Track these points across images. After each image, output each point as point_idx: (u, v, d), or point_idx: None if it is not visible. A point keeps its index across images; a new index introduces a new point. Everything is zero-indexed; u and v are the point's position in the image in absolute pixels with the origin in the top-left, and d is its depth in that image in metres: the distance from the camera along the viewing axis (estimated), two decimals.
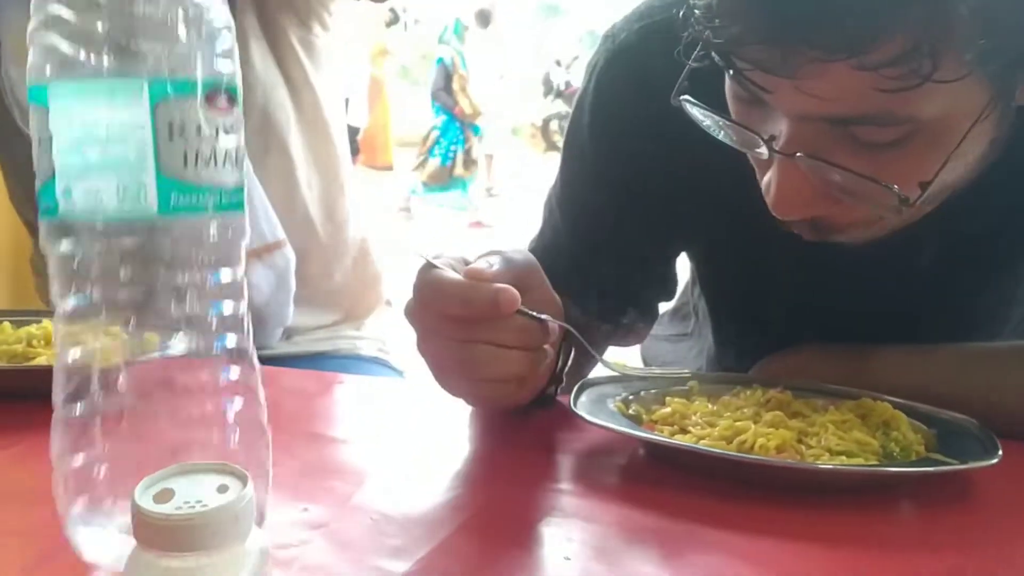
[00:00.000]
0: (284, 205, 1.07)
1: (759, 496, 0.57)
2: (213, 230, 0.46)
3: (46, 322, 0.79)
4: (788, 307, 0.83)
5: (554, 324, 0.65)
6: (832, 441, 0.60)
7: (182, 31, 0.45)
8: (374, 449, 0.64)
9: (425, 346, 0.64)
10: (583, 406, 0.64)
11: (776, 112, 0.60)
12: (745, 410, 0.65)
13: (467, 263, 0.64)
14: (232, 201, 0.47)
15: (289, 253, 1.05)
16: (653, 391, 0.69)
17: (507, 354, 0.62)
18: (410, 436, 0.66)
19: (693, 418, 0.64)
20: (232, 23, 0.47)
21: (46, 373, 0.71)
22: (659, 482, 0.60)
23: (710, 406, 0.66)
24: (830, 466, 0.58)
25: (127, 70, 0.44)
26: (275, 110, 1.07)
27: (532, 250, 0.89)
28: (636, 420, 0.65)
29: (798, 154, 0.58)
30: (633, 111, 0.80)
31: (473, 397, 0.67)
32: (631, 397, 0.67)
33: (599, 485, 0.60)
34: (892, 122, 0.56)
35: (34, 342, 0.76)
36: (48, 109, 0.45)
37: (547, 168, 9.36)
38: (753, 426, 0.61)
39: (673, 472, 0.60)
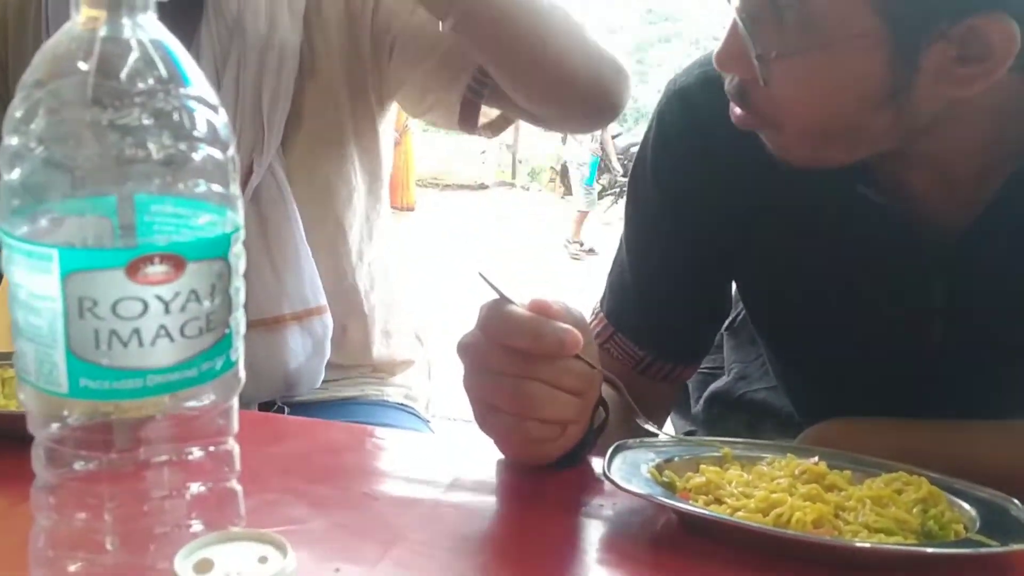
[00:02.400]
0: (332, 273, 1.07)
1: (794, 570, 0.56)
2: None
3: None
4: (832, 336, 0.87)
5: (606, 374, 0.67)
6: (870, 517, 0.59)
7: (103, 198, 0.40)
8: (405, 508, 0.64)
9: (477, 380, 0.65)
10: (616, 470, 0.64)
11: None
12: (781, 480, 0.64)
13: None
14: (170, 383, 0.41)
15: (328, 320, 1.05)
16: (687, 457, 0.69)
17: (561, 396, 0.63)
18: (440, 494, 0.66)
19: (728, 488, 0.63)
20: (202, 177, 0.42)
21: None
22: (693, 553, 0.59)
23: (744, 475, 0.66)
24: (869, 544, 0.57)
25: (37, 236, 0.40)
26: (339, 183, 1.08)
27: (610, 287, 0.96)
28: (670, 487, 0.64)
29: (738, 3, 0.69)
30: (688, 147, 0.87)
31: (516, 438, 0.66)
32: (664, 463, 0.67)
33: (631, 554, 0.59)
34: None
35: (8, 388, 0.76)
36: None
37: (563, 211, 9.40)
38: (790, 499, 0.60)
39: (707, 543, 0.59)
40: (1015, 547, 0.56)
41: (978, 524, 0.60)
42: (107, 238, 0.40)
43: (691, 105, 0.87)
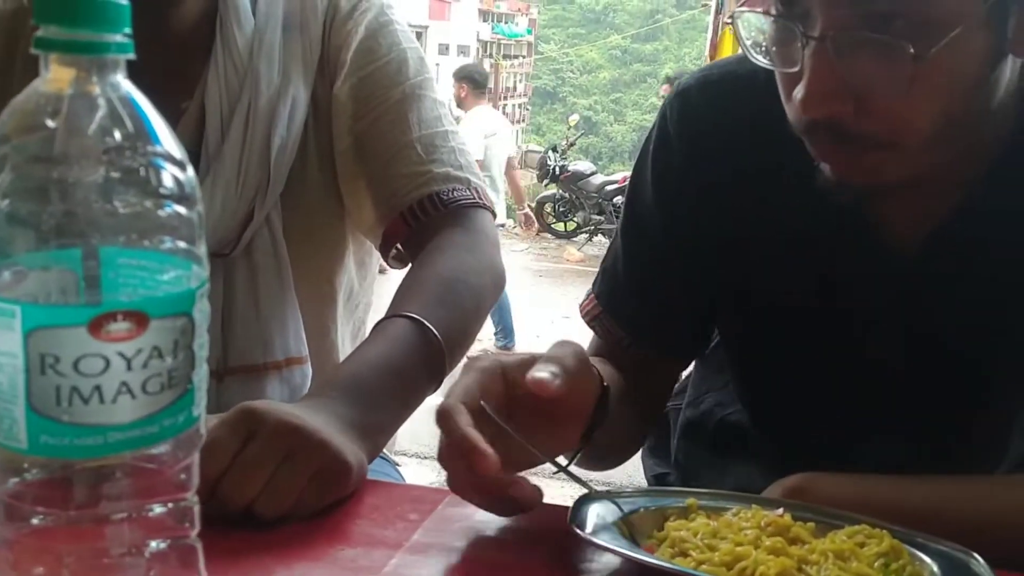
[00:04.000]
0: (315, 329, 1.07)
1: None
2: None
3: None
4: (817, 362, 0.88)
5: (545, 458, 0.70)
6: (832, 571, 0.60)
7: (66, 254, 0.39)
8: (370, 562, 0.63)
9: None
10: (582, 522, 0.64)
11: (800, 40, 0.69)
12: (747, 532, 0.64)
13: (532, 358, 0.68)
14: (131, 439, 0.41)
15: (308, 370, 1.05)
16: (652, 508, 0.69)
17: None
18: (418, 551, 0.65)
19: (693, 540, 0.63)
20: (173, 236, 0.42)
21: None
22: None
23: (711, 523, 0.66)
24: None
25: (1, 291, 0.39)
26: (332, 241, 1.08)
27: (603, 271, 1.00)
28: (636, 539, 0.64)
29: (830, 34, 0.67)
30: (682, 145, 0.90)
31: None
32: (630, 514, 0.67)
33: None
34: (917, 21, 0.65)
35: None
36: None
37: (536, 248, 9.42)
38: (754, 552, 0.61)
39: None
40: None
41: None
42: (71, 294, 0.40)
43: (690, 104, 0.90)
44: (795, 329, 0.89)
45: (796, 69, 0.70)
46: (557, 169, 10.04)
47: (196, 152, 0.99)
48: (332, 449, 0.69)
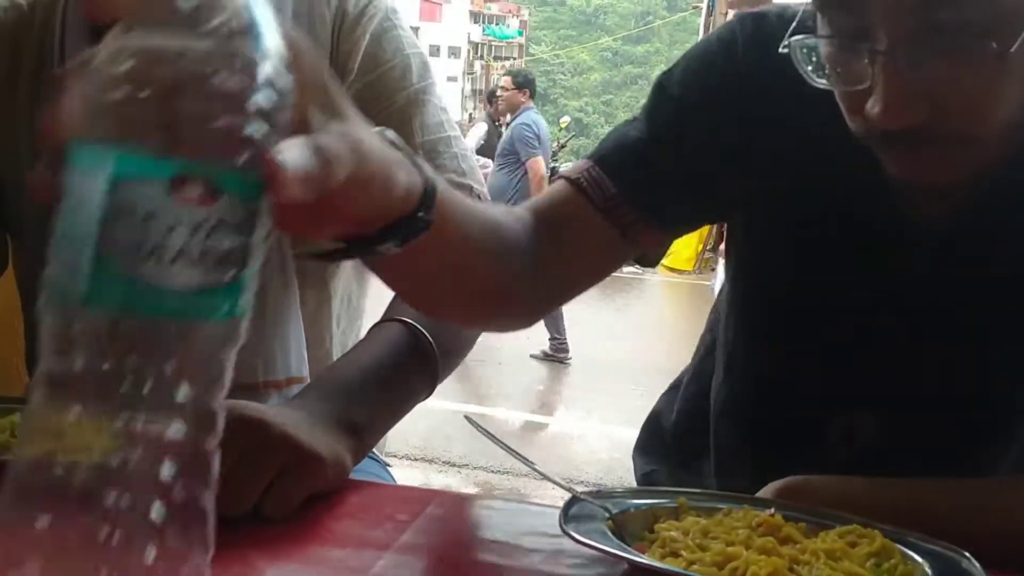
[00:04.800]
0: (311, 339, 1.05)
1: None
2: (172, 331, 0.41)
3: None
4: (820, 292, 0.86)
5: None
6: (824, 571, 0.59)
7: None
8: (359, 563, 0.63)
9: None
10: (572, 522, 0.63)
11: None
12: (738, 531, 0.64)
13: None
14: (181, 307, 0.41)
15: None
16: (643, 508, 0.68)
17: None
18: (407, 552, 0.65)
19: (684, 540, 0.63)
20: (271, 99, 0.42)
21: None
22: None
23: (701, 520, 0.66)
24: None
25: (91, 138, 0.41)
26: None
27: (604, 141, 0.92)
28: (626, 540, 0.64)
29: (900, 47, 0.66)
30: (749, 62, 0.86)
31: None
32: (620, 514, 0.67)
33: None
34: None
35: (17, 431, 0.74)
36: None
37: None
38: (745, 552, 0.60)
39: None
40: None
41: None
42: (155, 150, 0.40)
43: (764, 29, 0.86)
44: (807, 268, 0.87)
45: (865, 86, 0.69)
46: (548, 171, 10.06)
47: None
48: (296, 441, 0.68)
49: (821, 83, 0.73)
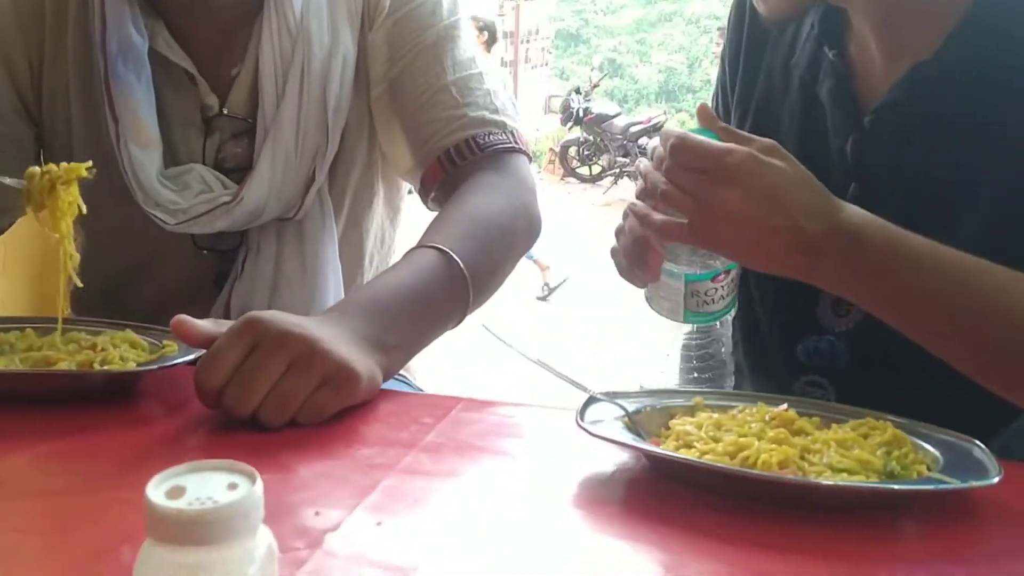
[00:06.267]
0: (345, 275, 1.08)
1: (761, 511, 0.58)
2: None
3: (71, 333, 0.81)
4: None
5: None
6: (834, 459, 0.61)
7: None
8: (384, 460, 0.65)
9: None
10: (589, 419, 0.65)
11: None
12: (752, 425, 0.66)
13: None
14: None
15: None
16: (659, 407, 0.70)
17: None
18: (432, 450, 0.67)
19: (698, 433, 0.65)
20: None
21: (68, 378, 0.74)
22: (663, 496, 0.61)
23: (714, 415, 0.67)
24: (831, 483, 0.59)
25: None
26: (363, 189, 1.09)
27: None
28: (642, 436, 0.66)
29: None
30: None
31: None
32: (636, 412, 0.68)
33: (605, 498, 0.61)
34: None
35: (57, 348, 0.78)
36: None
37: (563, 193, 9.37)
38: (757, 442, 0.62)
39: (677, 486, 0.61)
40: (974, 484, 0.58)
41: (941, 464, 0.62)
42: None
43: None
44: None
45: None
46: (581, 112, 9.95)
47: (252, 118, 1.00)
48: (336, 357, 0.71)
49: None
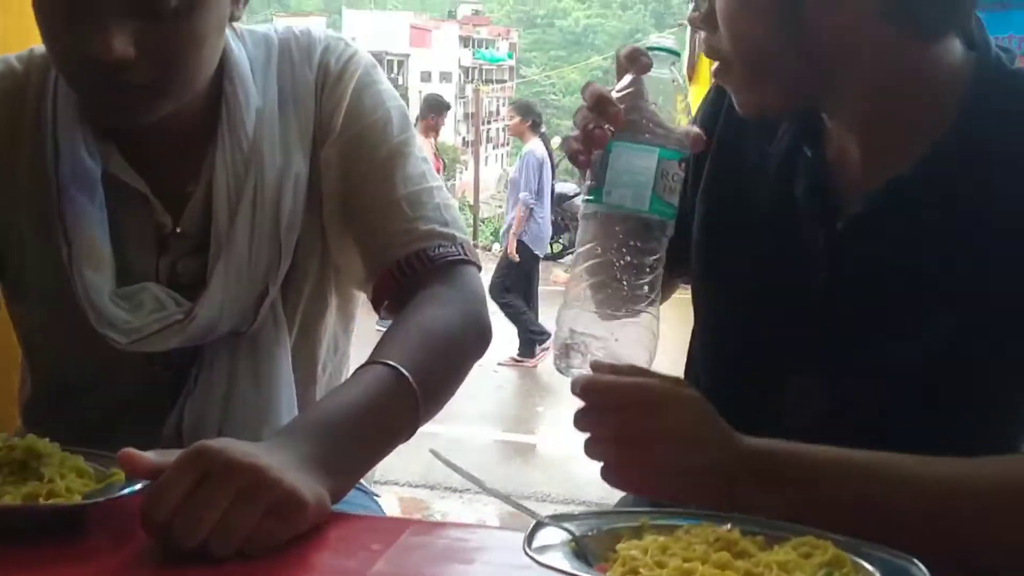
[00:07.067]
0: (299, 384, 1.09)
1: None
2: None
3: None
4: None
5: None
6: None
7: None
8: None
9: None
10: (536, 546, 0.66)
11: None
12: (696, 548, 0.67)
13: None
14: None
15: None
16: (605, 529, 0.71)
17: None
18: None
19: (644, 557, 0.66)
20: None
21: (14, 512, 0.72)
22: None
23: (660, 538, 0.68)
24: None
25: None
26: (317, 301, 1.10)
27: None
28: (590, 561, 0.66)
29: None
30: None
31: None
32: (583, 537, 0.69)
33: None
34: None
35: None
36: None
37: None
38: (701, 567, 0.63)
39: None
40: None
41: None
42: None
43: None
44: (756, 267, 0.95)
45: None
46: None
47: (206, 234, 1.01)
48: (285, 485, 0.71)
49: None
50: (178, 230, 1.02)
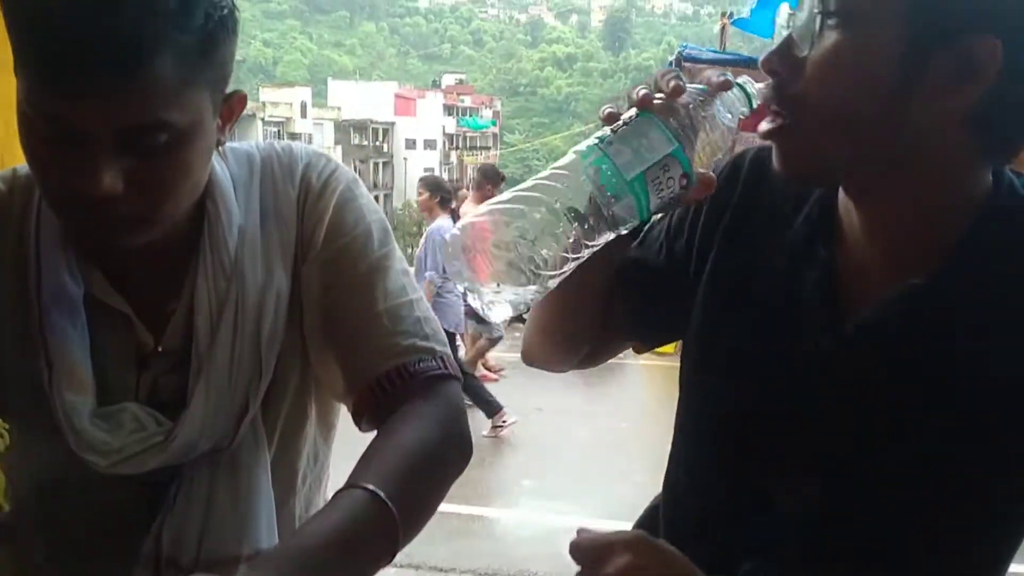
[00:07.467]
0: (278, 497, 1.07)
1: None
2: None
3: None
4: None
5: None
6: None
7: None
8: None
9: None
10: None
11: None
12: None
13: None
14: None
15: None
16: None
17: None
18: None
19: None
20: None
21: None
22: None
23: None
24: None
25: None
26: (296, 415, 1.10)
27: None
28: None
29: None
30: (745, 188, 1.00)
31: None
32: None
33: None
34: None
35: None
36: None
37: (512, 337, 9.37)
38: None
39: None
40: None
41: None
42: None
43: (762, 162, 0.97)
44: (728, 368, 0.96)
45: None
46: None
47: (186, 353, 1.01)
48: None
49: None
50: (159, 348, 1.02)
